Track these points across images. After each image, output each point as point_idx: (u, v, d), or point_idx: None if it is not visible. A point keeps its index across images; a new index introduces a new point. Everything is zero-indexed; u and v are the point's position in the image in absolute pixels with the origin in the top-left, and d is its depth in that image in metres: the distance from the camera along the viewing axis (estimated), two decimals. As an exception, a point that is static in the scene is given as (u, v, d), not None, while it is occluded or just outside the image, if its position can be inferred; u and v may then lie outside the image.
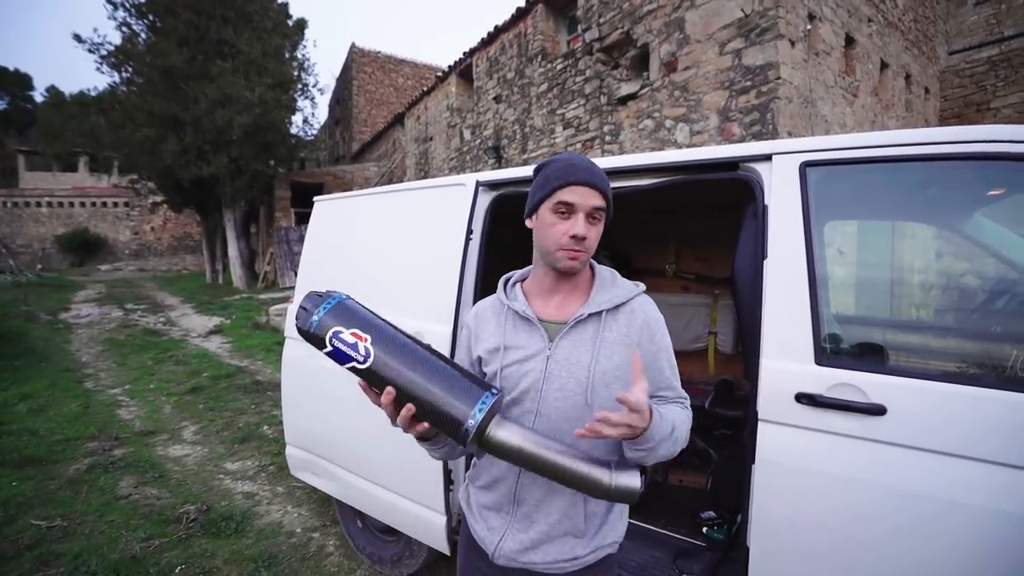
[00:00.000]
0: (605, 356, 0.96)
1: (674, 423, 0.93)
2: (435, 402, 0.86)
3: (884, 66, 6.80)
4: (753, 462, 1.35)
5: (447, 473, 1.84)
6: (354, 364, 0.88)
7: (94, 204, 24.45)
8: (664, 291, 3.20)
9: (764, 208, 1.40)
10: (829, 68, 5.59)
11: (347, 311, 0.94)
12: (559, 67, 7.68)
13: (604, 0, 6.73)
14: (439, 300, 1.85)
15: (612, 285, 1.03)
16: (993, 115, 7.70)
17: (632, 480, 0.86)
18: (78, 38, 12.61)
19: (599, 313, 0.99)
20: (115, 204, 24.57)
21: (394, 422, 0.90)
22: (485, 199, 1.88)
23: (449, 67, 10.78)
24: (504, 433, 0.88)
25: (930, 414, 1.14)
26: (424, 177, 12.04)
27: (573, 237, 0.93)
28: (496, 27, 9.05)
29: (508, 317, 1.04)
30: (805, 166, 1.36)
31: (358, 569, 2.38)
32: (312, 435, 2.46)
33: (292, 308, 2.63)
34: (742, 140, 5.14)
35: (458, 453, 1.04)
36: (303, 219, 13.75)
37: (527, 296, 1.06)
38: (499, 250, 2.00)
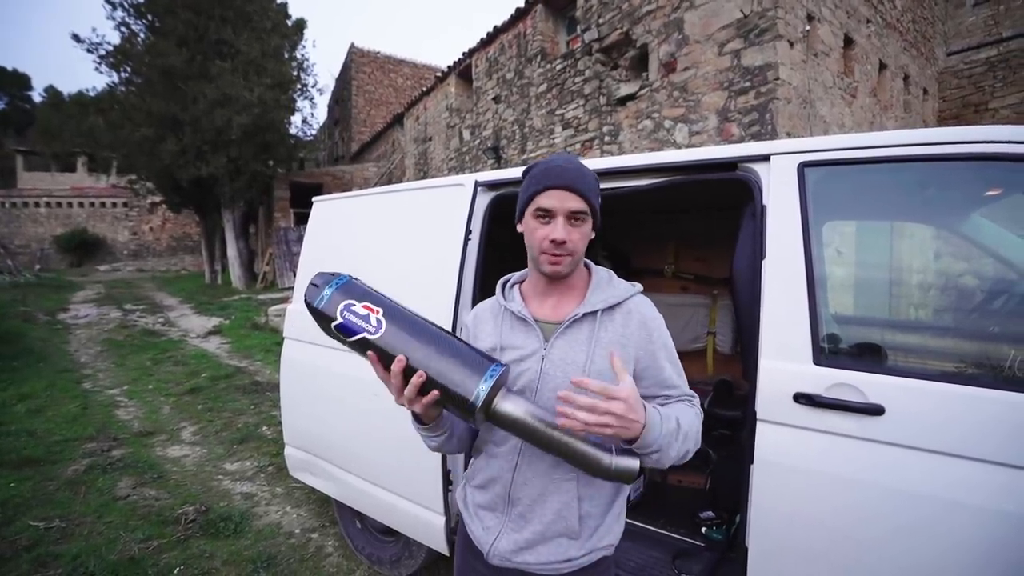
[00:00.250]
0: (600, 356, 0.96)
1: (679, 420, 0.92)
2: (445, 371, 0.88)
3: (883, 67, 6.81)
4: (752, 462, 1.35)
5: (446, 473, 1.84)
6: (365, 335, 0.90)
7: (92, 204, 24.41)
8: (663, 291, 3.20)
9: (763, 208, 1.40)
10: (828, 69, 5.60)
11: (357, 288, 0.97)
12: (558, 67, 7.68)
13: (603, 1, 6.73)
14: (438, 300, 1.85)
15: (608, 285, 1.04)
16: (991, 116, 7.72)
17: (632, 462, 0.87)
18: (77, 38, 12.60)
19: (594, 313, 0.99)
20: (114, 204, 24.54)
21: (401, 393, 0.90)
22: (484, 199, 1.88)
23: (448, 67, 10.78)
24: (510, 405, 0.90)
25: (929, 414, 1.15)
26: (423, 177, 12.04)
27: (552, 241, 0.94)
28: (495, 27, 9.05)
29: (505, 318, 1.05)
30: (803, 166, 1.36)
31: (357, 570, 2.38)
32: (311, 435, 2.46)
33: (291, 308, 2.63)
34: (741, 140, 5.14)
35: (454, 443, 1.04)
36: (302, 219, 13.73)
37: (524, 298, 1.07)
38: (498, 250, 2.00)
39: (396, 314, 0.93)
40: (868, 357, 1.47)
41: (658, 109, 6.07)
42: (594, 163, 1.66)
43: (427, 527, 1.92)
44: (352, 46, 19.12)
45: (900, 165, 1.28)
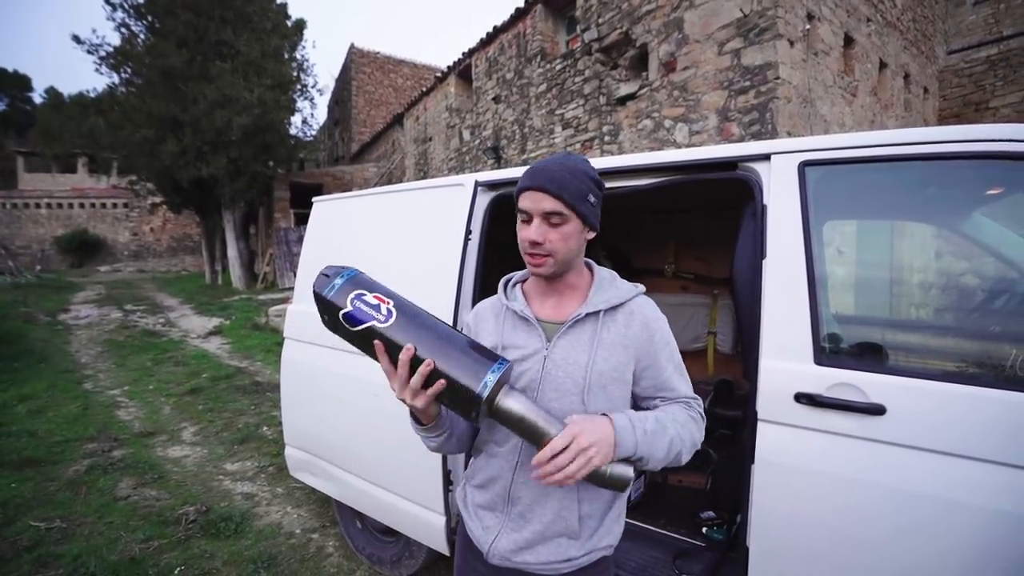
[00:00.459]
0: (603, 357, 0.96)
1: (659, 419, 0.92)
2: (453, 362, 0.89)
3: (883, 66, 6.80)
4: (752, 462, 1.34)
5: (446, 474, 1.84)
6: (374, 324, 0.92)
7: (93, 205, 24.44)
8: (663, 291, 3.20)
9: (763, 208, 1.40)
10: (828, 68, 5.60)
11: (366, 281, 0.99)
12: (558, 67, 7.68)
13: (603, 0, 6.73)
14: (438, 300, 1.84)
15: (611, 286, 1.03)
16: (992, 114, 7.71)
17: (626, 469, 0.89)
18: (77, 39, 12.59)
19: (597, 313, 0.99)
20: (114, 205, 24.57)
21: (406, 383, 0.89)
22: (484, 199, 1.88)
23: (448, 67, 10.78)
24: (512, 402, 0.91)
25: (930, 414, 1.14)
26: (423, 177, 12.04)
27: (530, 243, 0.95)
28: (495, 27, 9.06)
29: (507, 317, 1.05)
30: (804, 166, 1.36)
31: (357, 570, 2.38)
32: (311, 436, 2.46)
33: (292, 309, 2.63)
34: (741, 140, 5.14)
35: (453, 443, 1.04)
36: (302, 220, 13.72)
37: (527, 297, 1.07)
38: (498, 250, 2.00)
39: (405, 306, 0.96)
40: (869, 357, 1.47)
41: (658, 109, 6.07)
42: (594, 163, 1.66)
43: (427, 527, 1.92)
44: (352, 46, 19.13)
45: (901, 164, 1.28)
